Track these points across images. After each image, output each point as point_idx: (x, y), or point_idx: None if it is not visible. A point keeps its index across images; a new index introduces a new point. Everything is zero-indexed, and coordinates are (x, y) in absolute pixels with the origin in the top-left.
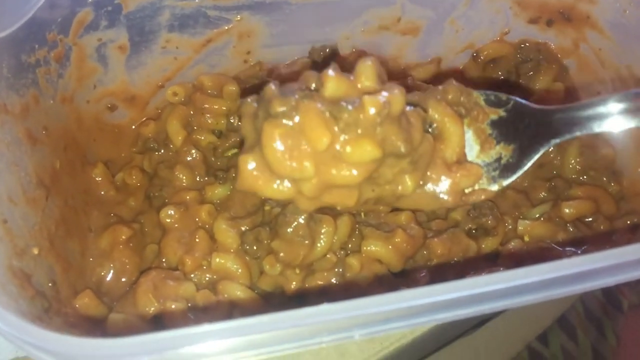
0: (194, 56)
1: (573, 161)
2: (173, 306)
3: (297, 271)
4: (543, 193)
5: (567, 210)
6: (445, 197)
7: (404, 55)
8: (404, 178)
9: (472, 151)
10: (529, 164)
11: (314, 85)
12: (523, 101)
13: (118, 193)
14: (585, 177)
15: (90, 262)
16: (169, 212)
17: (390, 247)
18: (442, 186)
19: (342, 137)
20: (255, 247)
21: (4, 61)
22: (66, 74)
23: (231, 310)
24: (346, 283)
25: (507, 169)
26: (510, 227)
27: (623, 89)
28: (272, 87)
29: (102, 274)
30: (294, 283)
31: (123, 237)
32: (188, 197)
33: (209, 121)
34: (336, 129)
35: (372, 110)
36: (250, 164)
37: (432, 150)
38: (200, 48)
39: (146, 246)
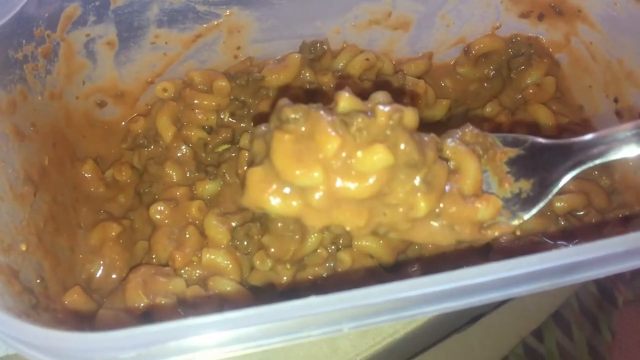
0: (183, 52)
1: None
2: (163, 302)
3: (288, 266)
4: None
5: (558, 204)
6: (462, 229)
7: (395, 50)
8: (417, 199)
9: (491, 189)
10: (550, 196)
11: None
12: (540, 139)
13: (108, 189)
14: None
15: (80, 259)
16: (159, 208)
17: (381, 241)
18: (458, 217)
19: (353, 143)
20: (245, 243)
21: None
22: (54, 70)
23: (221, 306)
24: (337, 278)
25: (527, 203)
26: None
27: (614, 83)
28: (285, 100)
29: (92, 270)
30: (285, 278)
31: (113, 233)
32: (178, 193)
33: (199, 117)
34: (349, 136)
35: (384, 116)
36: (257, 176)
37: (447, 175)
38: (190, 43)
39: (136, 242)
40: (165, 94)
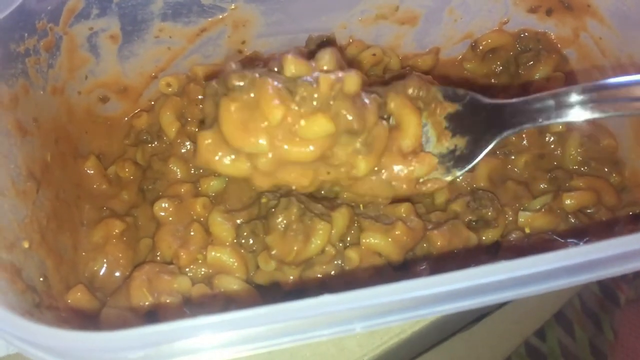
0: (188, 46)
1: (574, 152)
2: (168, 301)
3: (293, 267)
4: (544, 184)
5: (568, 202)
6: (400, 185)
7: (402, 45)
8: (357, 160)
9: (429, 143)
10: (481, 156)
11: (276, 68)
12: (478, 96)
13: (111, 186)
14: (586, 167)
15: (83, 257)
16: (163, 205)
17: (389, 239)
18: (397, 174)
19: (297, 111)
20: (251, 241)
21: None
22: (56, 64)
23: (227, 304)
24: (345, 277)
25: (461, 160)
26: (510, 218)
27: None
28: (232, 65)
29: (95, 268)
30: (292, 277)
31: (116, 230)
32: (182, 190)
33: None
34: (292, 105)
35: (326, 85)
36: (207, 140)
37: (386, 136)
38: (194, 38)
39: (140, 240)
40: (169, 89)
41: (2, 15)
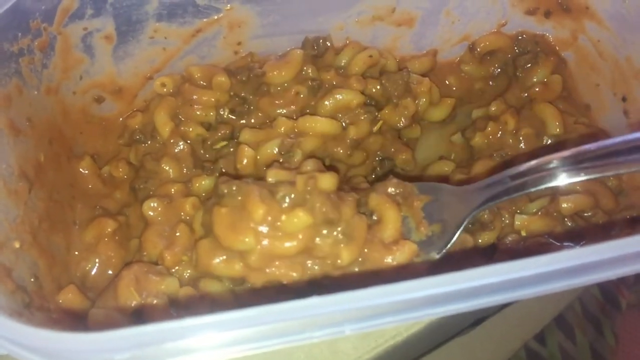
0: (183, 47)
1: None
2: (154, 302)
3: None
4: None
5: (565, 205)
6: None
7: (399, 47)
8: (340, 249)
9: (411, 233)
10: (455, 238)
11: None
12: (448, 186)
13: (105, 186)
14: None
15: (75, 256)
16: (152, 205)
17: None
18: (381, 263)
19: (278, 209)
20: None
21: None
22: (51, 64)
23: (213, 307)
24: (337, 278)
25: (437, 244)
26: (507, 221)
27: (622, 81)
28: (223, 178)
29: (87, 267)
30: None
31: (108, 229)
32: (173, 190)
33: (198, 113)
34: (274, 203)
35: (301, 182)
36: (205, 246)
37: (364, 227)
38: (190, 38)
39: (132, 239)
40: (164, 89)
41: None
